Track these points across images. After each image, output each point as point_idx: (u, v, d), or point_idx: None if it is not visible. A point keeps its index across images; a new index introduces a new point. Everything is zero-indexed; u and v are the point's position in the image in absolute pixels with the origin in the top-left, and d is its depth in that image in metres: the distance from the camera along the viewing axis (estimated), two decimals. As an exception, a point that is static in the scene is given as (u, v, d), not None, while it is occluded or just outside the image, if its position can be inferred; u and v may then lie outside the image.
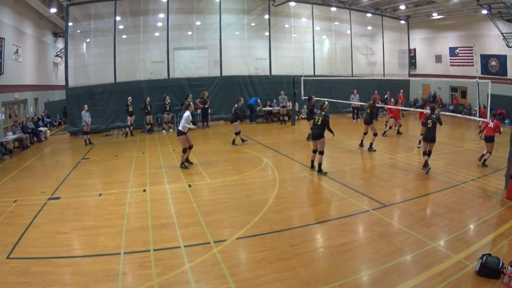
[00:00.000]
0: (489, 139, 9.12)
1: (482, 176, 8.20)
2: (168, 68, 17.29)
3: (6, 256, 4.84)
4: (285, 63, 19.64)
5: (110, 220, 6.04)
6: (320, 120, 8.47)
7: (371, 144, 10.94)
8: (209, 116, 16.74)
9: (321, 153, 8.49)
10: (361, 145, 11.44)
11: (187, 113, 9.13)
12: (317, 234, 5.54)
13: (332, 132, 8.66)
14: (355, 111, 18.84)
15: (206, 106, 16.34)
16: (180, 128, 9.14)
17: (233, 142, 12.10)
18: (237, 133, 12.06)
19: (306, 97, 17.78)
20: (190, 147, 9.41)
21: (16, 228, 5.76)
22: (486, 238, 5.11)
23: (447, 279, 4.08)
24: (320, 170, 8.57)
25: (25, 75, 16.58)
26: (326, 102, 8.83)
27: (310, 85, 18.67)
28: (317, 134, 8.45)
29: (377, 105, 11.13)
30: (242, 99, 12.91)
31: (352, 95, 18.46)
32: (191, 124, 9.35)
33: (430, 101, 20.67)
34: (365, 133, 11.38)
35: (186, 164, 9.39)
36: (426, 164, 8.64)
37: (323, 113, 8.51)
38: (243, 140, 12.39)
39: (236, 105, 12.15)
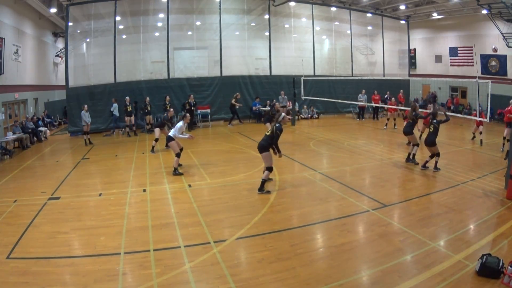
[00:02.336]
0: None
1: (482, 176, 8.20)
2: (168, 68, 17.29)
3: (6, 256, 4.84)
4: (285, 63, 19.64)
5: (110, 220, 6.04)
6: (269, 131, 7.19)
7: (413, 155, 9.53)
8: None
9: (269, 169, 7.19)
10: (410, 160, 9.48)
11: (180, 124, 8.90)
12: (317, 234, 5.54)
13: (278, 151, 7.25)
14: (362, 111, 18.88)
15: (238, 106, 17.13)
16: (170, 134, 8.91)
17: (152, 149, 11.41)
18: (156, 140, 11.46)
19: (306, 97, 17.87)
20: (181, 149, 9.13)
21: (16, 228, 5.76)
22: (486, 238, 5.11)
23: (447, 279, 4.08)
24: (261, 188, 7.21)
25: (25, 75, 16.58)
26: (283, 114, 7.32)
27: (310, 85, 18.67)
28: (261, 146, 7.18)
29: (417, 112, 9.57)
30: (172, 110, 12.04)
31: (360, 95, 18.48)
32: (184, 134, 9.03)
33: (430, 102, 20.54)
34: (409, 143, 10.04)
35: (179, 170, 8.91)
36: (425, 164, 8.86)
37: (277, 125, 7.10)
38: (153, 148, 11.48)
39: (164, 115, 11.84)
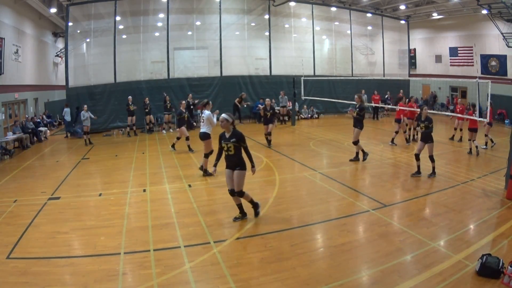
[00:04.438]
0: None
1: (482, 176, 8.19)
2: (168, 68, 17.31)
3: (6, 256, 4.84)
4: (285, 63, 19.66)
5: (110, 220, 6.04)
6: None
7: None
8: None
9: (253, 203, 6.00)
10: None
11: (207, 113, 8.31)
12: (317, 234, 5.53)
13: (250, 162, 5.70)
14: None
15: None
16: (206, 131, 8.22)
17: (190, 148, 11.21)
18: (179, 138, 11.30)
19: (306, 97, 17.84)
20: (211, 151, 8.34)
21: (16, 228, 5.76)
22: (486, 238, 5.10)
23: (447, 279, 4.08)
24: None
25: (25, 75, 16.58)
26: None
27: (310, 85, 18.68)
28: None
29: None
30: (184, 102, 11.77)
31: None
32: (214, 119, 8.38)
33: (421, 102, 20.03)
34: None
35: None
36: (433, 170, 8.25)
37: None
38: (189, 147, 11.25)
39: (180, 109, 11.34)
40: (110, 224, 5.84)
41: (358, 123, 9.48)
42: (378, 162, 9.75)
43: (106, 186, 8.09)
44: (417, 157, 8.28)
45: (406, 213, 6.16)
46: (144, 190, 7.64)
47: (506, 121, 17.56)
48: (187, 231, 5.53)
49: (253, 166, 5.61)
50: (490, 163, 9.43)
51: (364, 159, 9.59)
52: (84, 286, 4.11)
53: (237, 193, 5.57)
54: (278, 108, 17.90)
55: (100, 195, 7.44)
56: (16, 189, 8.07)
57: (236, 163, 5.53)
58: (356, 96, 9.71)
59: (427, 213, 6.21)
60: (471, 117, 10.66)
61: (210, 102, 8.70)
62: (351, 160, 9.70)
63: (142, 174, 9.00)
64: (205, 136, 8.33)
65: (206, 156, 8.36)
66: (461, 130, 12.52)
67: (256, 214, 5.92)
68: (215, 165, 5.81)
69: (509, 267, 4.03)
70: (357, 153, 9.71)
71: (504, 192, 6.97)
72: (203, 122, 8.42)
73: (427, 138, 8.13)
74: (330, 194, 7.19)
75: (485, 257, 4.20)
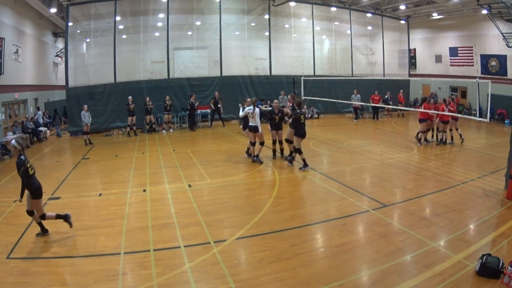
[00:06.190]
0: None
1: (482, 176, 8.20)
2: (168, 68, 17.30)
3: (6, 256, 4.84)
4: (285, 63, 19.64)
5: (110, 220, 6.04)
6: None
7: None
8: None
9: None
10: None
11: (257, 110, 9.54)
12: (317, 234, 5.54)
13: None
14: (357, 111, 18.86)
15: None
16: (256, 124, 9.47)
17: (257, 157, 9.86)
18: (263, 143, 9.92)
19: (306, 97, 17.82)
20: (262, 143, 9.80)
21: (16, 228, 5.76)
22: (486, 238, 5.11)
23: (447, 279, 4.08)
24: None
25: (25, 75, 16.57)
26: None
27: (310, 85, 18.68)
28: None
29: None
30: (248, 100, 10.30)
31: (353, 95, 18.47)
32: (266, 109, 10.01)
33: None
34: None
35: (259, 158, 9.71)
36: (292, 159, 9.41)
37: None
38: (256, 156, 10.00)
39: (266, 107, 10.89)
40: (110, 224, 5.85)
41: (292, 122, 9.37)
42: (378, 162, 9.75)
43: (106, 186, 8.09)
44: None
45: (406, 213, 6.17)
46: (144, 190, 7.64)
47: (506, 121, 17.56)
48: (187, 231, 5.54)
49: (20, 198, 5.38)
50: (490, 163, 9.43)
51: (286, 158, 9.78)
52: (84, 286, 4.11)
53: (26, 211, 5.50)
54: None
55: (100, 195, 7.44)
56: (16, 189, 7.97)
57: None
58: (289, 96, 10.20)
59: (427, 213, 6.21)
60: (444, 113, 11.08)
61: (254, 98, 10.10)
62: (286, 159, 9.82)
63: (142, 174, 9.00)
64: (257, 129, 9.51)
65: (262, 144, 9.76)
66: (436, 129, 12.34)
67: (40, 231, 5.55)
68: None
69: (509, 267, 4.04)
70: (291, 152, 9.71)
71: (504, 192, 6.97)
72: (252, 117, 9.53)
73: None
74: (330, 194, 7.19)
75: (485, 257, 4.20)
